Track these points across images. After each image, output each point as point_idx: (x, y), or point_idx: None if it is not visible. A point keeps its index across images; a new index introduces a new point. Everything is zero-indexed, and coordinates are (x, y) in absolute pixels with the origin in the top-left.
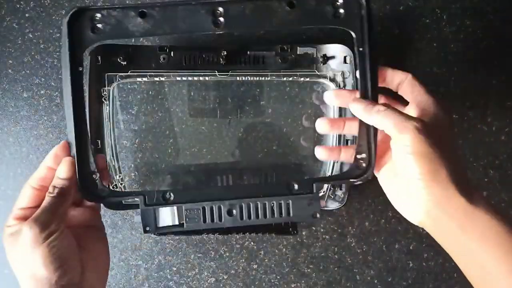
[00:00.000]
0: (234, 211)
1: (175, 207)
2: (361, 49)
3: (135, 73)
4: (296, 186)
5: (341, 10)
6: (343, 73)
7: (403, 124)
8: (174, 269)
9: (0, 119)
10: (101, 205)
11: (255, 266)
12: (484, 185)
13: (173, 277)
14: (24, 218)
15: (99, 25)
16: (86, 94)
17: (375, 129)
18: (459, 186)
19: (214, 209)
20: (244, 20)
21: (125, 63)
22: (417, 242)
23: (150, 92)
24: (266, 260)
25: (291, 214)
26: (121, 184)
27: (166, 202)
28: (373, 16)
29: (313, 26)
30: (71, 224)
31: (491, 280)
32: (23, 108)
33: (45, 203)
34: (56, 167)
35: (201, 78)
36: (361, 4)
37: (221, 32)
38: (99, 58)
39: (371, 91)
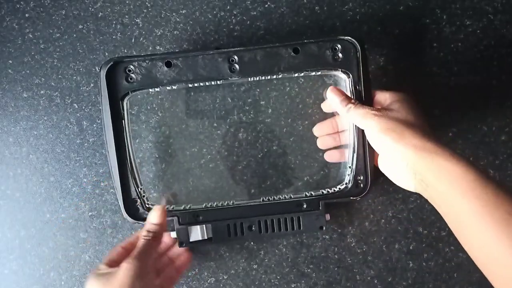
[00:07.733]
0: (254, 227)
1: (204, 225)
2: (357, 87)
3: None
4: (305, 205)
5: (340, 54)
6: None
7: (366, 115)
8: None
9: (0, 119)
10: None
11: (255, 266)
12: None
13: None
14: (111, 265)
15: (133, 75)
16: (108, 113)
17: (371, 155)
18: (426, 138)
19: (237, 225)
20: (256, 65)
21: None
22: (417, 242)
23: (164, 99)
24: (266, 260)
25: (302, 228)
26: (143, 196)
27: (197, 221)
28: (367, 58)
29: (316, 69)
30: None
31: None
32: (23, 108)
33: (140, 244)
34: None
35: (207, 83)
36: (357, 48)
37: (236, 78)
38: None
39: None
